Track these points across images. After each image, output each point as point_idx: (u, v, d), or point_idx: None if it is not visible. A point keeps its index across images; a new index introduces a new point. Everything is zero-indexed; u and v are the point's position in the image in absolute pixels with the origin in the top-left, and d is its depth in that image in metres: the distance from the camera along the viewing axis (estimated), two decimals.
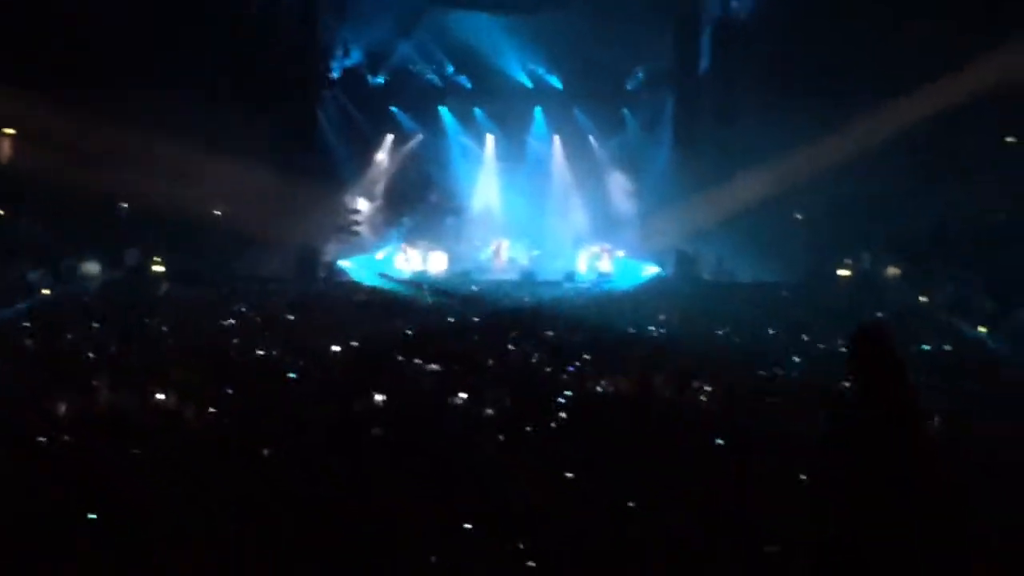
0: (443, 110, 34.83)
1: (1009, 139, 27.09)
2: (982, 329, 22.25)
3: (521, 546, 8.20)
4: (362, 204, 34.22)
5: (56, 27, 26.59)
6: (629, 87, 34.10)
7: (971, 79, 24.88)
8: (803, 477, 9.06)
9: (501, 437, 10.98)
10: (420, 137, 34.96)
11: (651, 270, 30.89)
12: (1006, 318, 22.50)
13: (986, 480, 9.37)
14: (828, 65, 28.17)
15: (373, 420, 11.59)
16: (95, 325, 19.31)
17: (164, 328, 19.15)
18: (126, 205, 29.21)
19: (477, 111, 34.91)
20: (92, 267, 26.70)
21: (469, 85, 34.51)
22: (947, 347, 19.03)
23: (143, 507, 8.66)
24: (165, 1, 27.70)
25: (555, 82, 34.41)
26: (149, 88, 27.78)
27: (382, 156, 34.94)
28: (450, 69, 34.19)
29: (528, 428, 11.43)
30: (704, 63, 32.55)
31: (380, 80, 33.95)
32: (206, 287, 26.56)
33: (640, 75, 33.72)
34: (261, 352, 16.75)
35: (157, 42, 27.86)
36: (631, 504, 8.91)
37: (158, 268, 27.85)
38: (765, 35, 30.34)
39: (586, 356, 16.42)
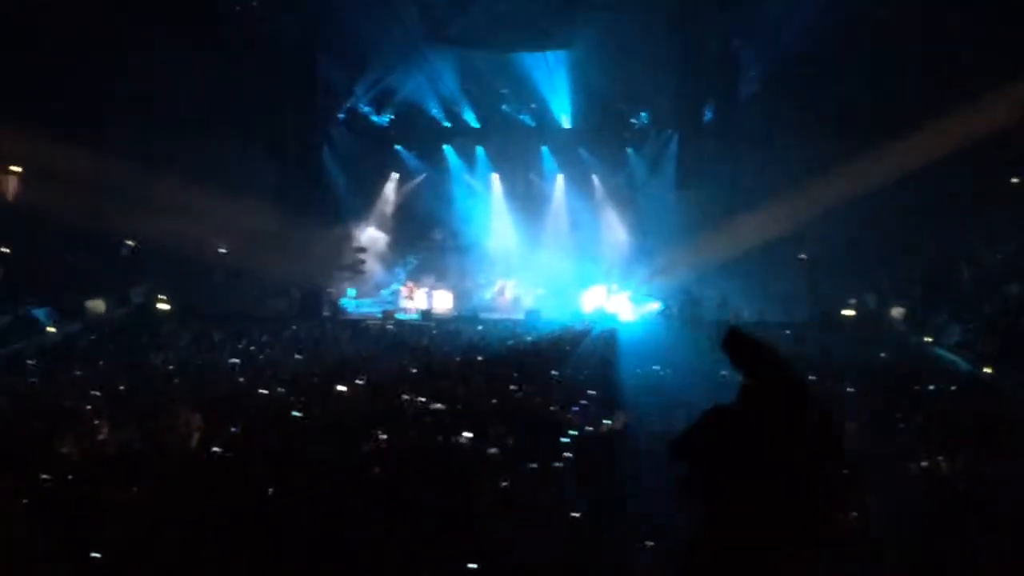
0: (448, 149, 34.98)
1: (1014, 180, 27.15)
2: (987, 369, 22.20)
3: None
4: (368, 242, 34.34)
5: (65, 67, 26.73)
6: (634, 127, 34.17)
7: (974, 119, 24.94)
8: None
9: (505, 479, 10.96)
10: (424, 176, 35.11)
11: (653, 307, 30.88)
12: (1010, 358, 22.46)
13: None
14: (831, 107, 28.33)
15: (378, 460, 11.59)
16: (100, 363, 19.33)
17: (170, 367, 19.14)
18: (132, 243, 29.30)
19: (480, 150, 35.04)
20: (98, 305, 26.73)
21: (473, 124, 34.61)
22: (952, 387, 18.95)
23: (147, 546, 8.66)
24: (168, 41, 27.71)
25: (560, 121, 34.49)
26: (155, 127, 28.02)
27: (387, 195, 35.08)
28: (455, 108, 34.30)
29: (532, 467, 11.42)
30: (708, 104, 32.66)
31: (385, 119, 34.08)
32: (211, 325, 26.58)
33: (645, 115, 33.81)
34: (266, 391, 16.73)
35: (163, 82, 28.02)
36: (639, 543, 8.91)
37: (163, 306, 27.89)
38: (769, 76, 30.49)
39: (592, 393, 16.42)
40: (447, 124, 34.58)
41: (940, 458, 12.13)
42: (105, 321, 26.35)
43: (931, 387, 18.55)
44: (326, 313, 30.68)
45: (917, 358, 23.33)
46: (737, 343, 6.99)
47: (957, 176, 26.45)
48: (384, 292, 33.82)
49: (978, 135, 24.80)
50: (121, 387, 16.59)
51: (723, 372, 19.82)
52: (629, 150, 34.55)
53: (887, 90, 27.44)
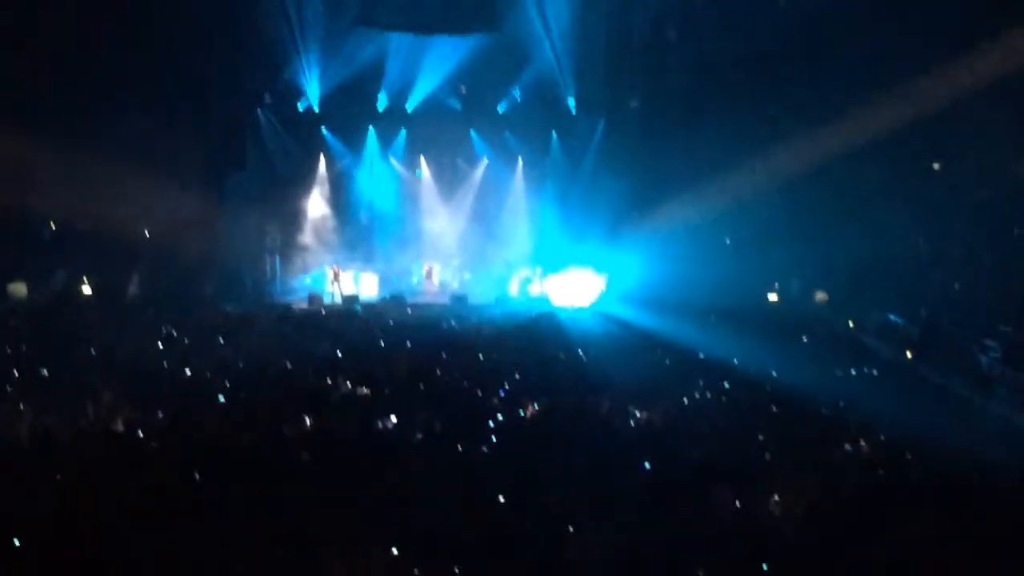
0: (373, 132, 34.81)
1: (935, 165, 27.55)
2: (908, 354, 22.61)
3: (456, 570, 8.25)
4: (293, 225, 34.10)
5: None
6: (561, 112, 34.27)
7: (895, 107, 25.27)
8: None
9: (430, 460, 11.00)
10: (350, 158, 34.90)
11: (579, 295, 30.94)
12: (931, 344, 22.90)
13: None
14: (754, 93, 28.57)
15: (302, 443, 11.59)
16: (23, 348, 19.09)
17: (92, 350, 18.92)
18: (53, 226, 28.88)
19: (403, 132, 34.96)
20: (19, 288, 26.39)
21: (402, 107, 34.47)
22: (874, 371, 19.28)
23: (68, 532, 8.61)
24: (91, 19, 27.29)
25: (487, 105, 34.51)
26: (76, 106, 27.50)
27: (314, 179, 34.83)
28: (382, 91, 34.12)
29: (459, 450, 11.47)
30: (635, 91, 32.84)
31: (311, 102, 33.74)
32: (134, 308, 26.33)
33: (571, 100, 33.88)
34: (190, 374, 16.65)
35: (86, 58, 27.53)
36: (563, 528, 8.98)
37: (86, 289, 27.56)
38: (695, 65, 30.69)
39: (517, 378, 16.49)
40: (377, 107, 34.36)
41: (861, 442, 12.39)
42: (27, 304, 26.02)
43: (853, 371, 18.91)
44: (251, 296, 30.48)
45: (839, 341, 23.70)
46: None
47: (880, 164, 26.85)
48: (313, 274, 33.55)
49: (900, 122, 25.15)
50: (44, 371, 16.40)
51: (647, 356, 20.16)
52: (554, 134, 34.63)
53: (812, 79, 27.74)
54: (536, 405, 14.29)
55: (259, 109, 33.55)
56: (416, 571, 8.24)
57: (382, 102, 34.33)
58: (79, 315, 24.59)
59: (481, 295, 31.92)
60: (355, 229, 34.90)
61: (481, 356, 19.10)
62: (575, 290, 31.03)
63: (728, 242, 30.42)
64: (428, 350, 19.75)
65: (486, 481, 10.13)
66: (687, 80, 30.97)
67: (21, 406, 13.22)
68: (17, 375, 15.88)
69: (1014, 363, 19.23)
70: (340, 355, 18.92)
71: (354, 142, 34.93)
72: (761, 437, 12.67)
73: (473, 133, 35.02)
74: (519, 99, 34.26)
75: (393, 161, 35.28)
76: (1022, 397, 17.77)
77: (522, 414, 13.97)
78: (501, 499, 9.61)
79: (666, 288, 28.17)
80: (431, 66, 33.42)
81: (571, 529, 8.91)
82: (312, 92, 33.46)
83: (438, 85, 33.89)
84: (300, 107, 33.79)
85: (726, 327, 23.86)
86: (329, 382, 15.89)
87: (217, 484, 9.80)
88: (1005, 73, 22.81)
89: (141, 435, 12.07)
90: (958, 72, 23.68)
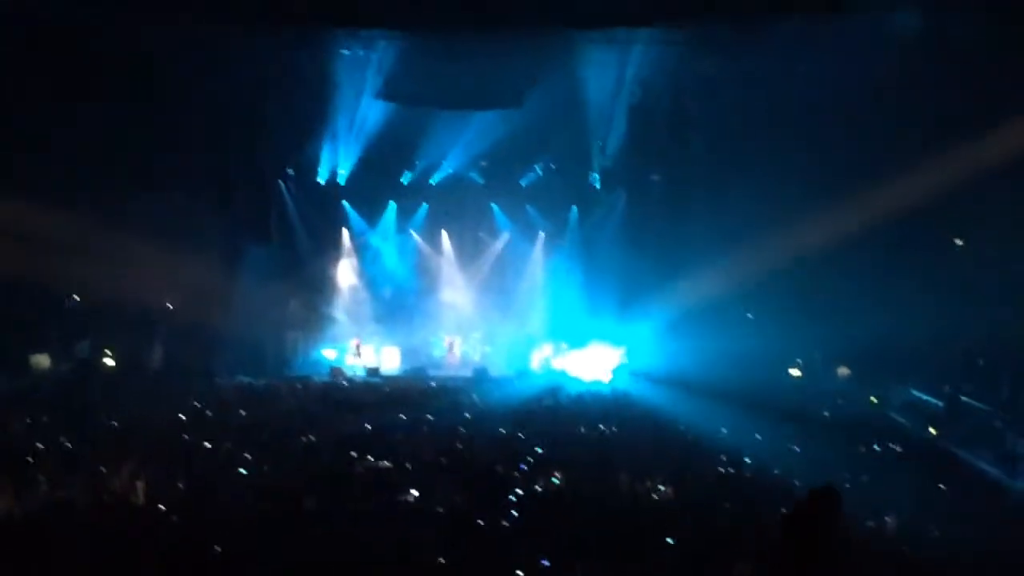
0: (393, 206, 34.96)
1: (958, 241, 27.48)
2: (932, 431, 22.48)
3: None
4: (317, 300, 34.18)
5: (10, 119, 26.39)
6: (583, 185, 34.36)
7: (919, 180, 25.21)
8: None
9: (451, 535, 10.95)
10: (372, 232, 34.99)
11: (600, 370, 30.91)
12: (955, 420, 22.77)
13: None
14: (775, 167, 28.57)
15: (324, 517, 11.56)
16: (44, 419, 19.09)
17: (115, 423, 18.92)
18: (77, 297, 29.05)
19: (424, 206, 35.05)
20: (42, 360, 26.47)
21: (425, 181, 34.61)
22: (898, 448, 19.17)
23: None
24: (116, 94, 27.61)
25: (509, 179, 34.59)
26: (98, 180, 27.70)
27: (337, 252, 34.94)
28: (404, 165, 34.26)
29: (480, 524, 11.42)
30: (656, 165, 32.97)
31: (335, 175, 33.87)
32: (158, 381, 26.39)
33: (594, 174, 33.98)
34: (210, 446, 16.62)
35: (107, 135, 27.82)
36: None
37: (109, 361, 27.63)
38: (714, 135, 30.77)
39: (539, 451, 16.45)
40: (401, 180, 34.50)
41: (887, 518, 12.30)
42: (49, 375, 26.08)
43: (876, 447, 18.78)
44: (274, 369, 30.54)
45: (862, 418, 23.57)
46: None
47: (903, 237, 26.79)
48: (331, 350, 33.49)
49: (924, 196, 25.09)
50: (67, 443, 16.40)
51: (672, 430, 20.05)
52: (574, 208, 34.72)
53: (834, 153, 27.75)
54: (556, 480, 14.25)
55: (281, 182, 33.73)
56: None
57: (406, 176, 34.46)
58: (101, 386, 24.62)
59: (502, 368, 31.91)
60: (377, 302, 34.93)
61: (503, 431, 19.06)
62: (595, 365, 30.99)
63: (750, 316, 30.33)
64: (449, 422, 19.78)
65: (508, 554, 10.08)
66: (709, 154, 31.02)
67: (42, 478, 13.22)
68: (40, 447, 15.88)
69: None
70: (365, 428, 18.90)
71: (375, 215, 35.02)
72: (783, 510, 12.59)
73: (494, 207, 35.06)
74: (541, 173, 34.33)
75: (414, 235, 35.35)
76: None
77: (541, 488, 13.93)
78: (520, 574, 9.56)
79: (688, 363, 28.04)
80: (455, 141, 33.57)
81: None
82: (335, 165, 33.61)
83: (461, 159, 34.10)
84: (322, 180, 33.93)
85: (748, 402, 23.78)
86: (352, 454, 15.86)
87: (238, 558, 9.76)
88: None
89: (162, 508, 12.06)
90: (982, 146, 23.69)
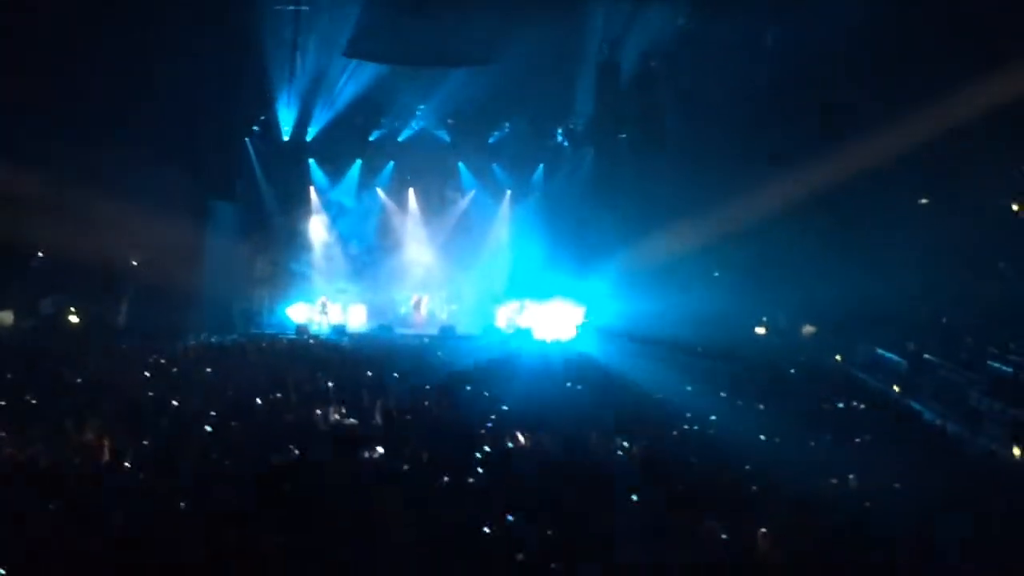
0: (359, 163, 34.84)
1: (923, 201, 27.57)
2: (896, 388, 22.67)
3: None
4: (284, 257, 34.07)
5: None
6: (550, 144, 34.36)
7: (885, 141, 25.24)
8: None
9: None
10: (338, 190, 34.85)
11: (563, 327, 31.02)
12: (919, 377, 22.96)
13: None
14: (743, 126, 28.59)
15: (290, 473, 11.55)
16: (8, 376, 19.00)
17: (79, 379, 18.84)
18: (41, 254, 28.82)
19: (391, 164, 34.97)
20: (5, 316, 26.30)
21: (392, 139, 34.53)
22: (861, 405, 19.35)
23: (53, 562, 8.57)
24: (82, 49, 27.27)
25: (475, 137, 34.54)
26: (64, 136, 27.39)
27: (304, 209, 34.79)
28: (373, 123, 34.16)
29: (446, 480, 11.45)
30: (624, 123, 32.88)
31: (301, 134, 33.70)
32: (123, 338, 26.26)
33: (561, 132, 33.97)
34: (177, 404, 16.57)
35: (74, 89, 27.51)
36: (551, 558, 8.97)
37: (73, 318, 27.48)
38: (682, 93, 30.73)
39: (504, 408, 16.50)
40: (368, 138, 34.40)
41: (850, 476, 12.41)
42: (13, 332, 25.92)
43: (840, 405, 18.94)
44: (240, 326, 30.48)
45: (827, 375, 23.76)
46: None
47: (869, 198, 26.87)
48: (297, 306, 33.40)
49: (890, 157, 25.16)
50: (31, 400, 16.33)
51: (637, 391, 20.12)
52: (541, 166, 34.72)
53: (802, 112, 27.81)
54: (522, 438, 14.29)
55: (247, 140, 33.50)
56: None
57: (374, 134, 34.34)
58: (66, 344, 24.49)
59: (468, 326, 31.96)
60: (343, 260, 34.84)
61: (469, 388, 19.10)
62: (559, 322, 31.08)
63: (716, 274, 30.41)
64: (416, 380, 19.80)
65: (474, 510, 10.11)
66: (676, 112, 30.98)
67: (5, 435, 13.16)
68: (2, 404, 15.81)
69: (1001, 397, 19.30)
70: (330, 386, 18.88)
71: (341, 173, 34.92)
72: (748, 467, 12.72)
73: (461, 165, 35.03)
74: (509, 131, 34.32)
75: (380, 192, 35.27)
76: (1009, 431, 17.82)
77: (508, 445, 13.96)
78: (487, 530, 9.59)
79: (654, 321, 28.11)
80: (421, 98, 33.47)
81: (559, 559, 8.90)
82: (302, 123, 33.43)
83: (428, 117, 33.96)
84: (288, 137, 33.75)
85: (713, 359, 23.92)
86: (318, 412, 15.86)
87: (203, 514, 9.76)
88: (994, 111, 22.87)
89: (127, 464, 12.03)
90: (947, 108, 23.74)
